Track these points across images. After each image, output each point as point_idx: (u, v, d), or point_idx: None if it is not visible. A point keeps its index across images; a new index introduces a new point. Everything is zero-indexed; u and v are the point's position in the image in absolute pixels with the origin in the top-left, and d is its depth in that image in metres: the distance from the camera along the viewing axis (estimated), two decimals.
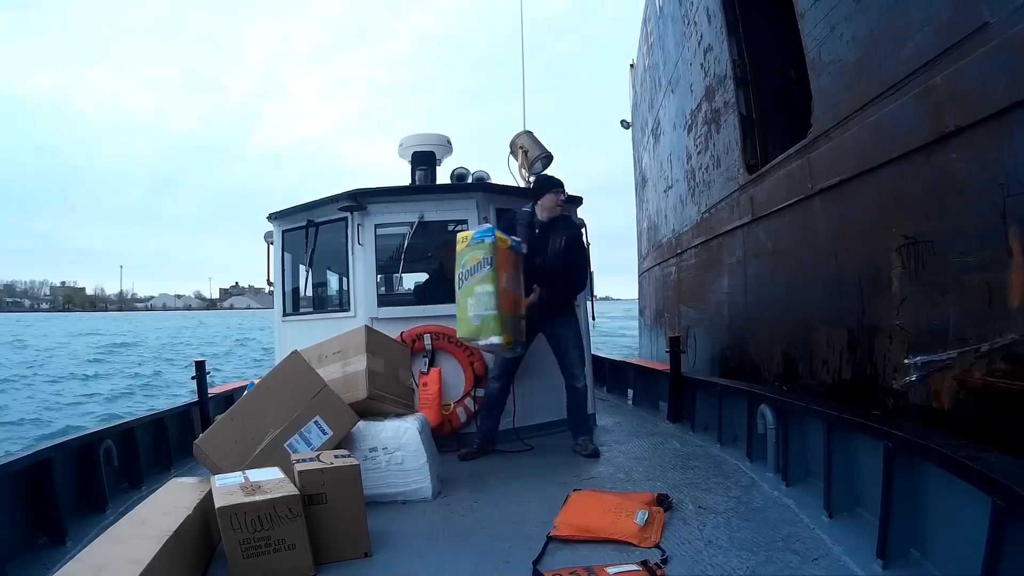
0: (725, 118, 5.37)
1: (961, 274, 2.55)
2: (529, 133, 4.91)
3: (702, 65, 5.95)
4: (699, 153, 6.32)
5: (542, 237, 3.69)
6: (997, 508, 1.54)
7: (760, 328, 4.81)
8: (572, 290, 3.86)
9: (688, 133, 6.75)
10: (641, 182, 10.97)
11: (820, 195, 3.69)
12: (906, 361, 2.87)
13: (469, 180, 4.44)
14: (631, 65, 11.34)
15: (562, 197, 3.73)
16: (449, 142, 4.90)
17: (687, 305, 7.05)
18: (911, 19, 2.75)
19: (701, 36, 5.93)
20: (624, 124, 12.36)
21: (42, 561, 2.26)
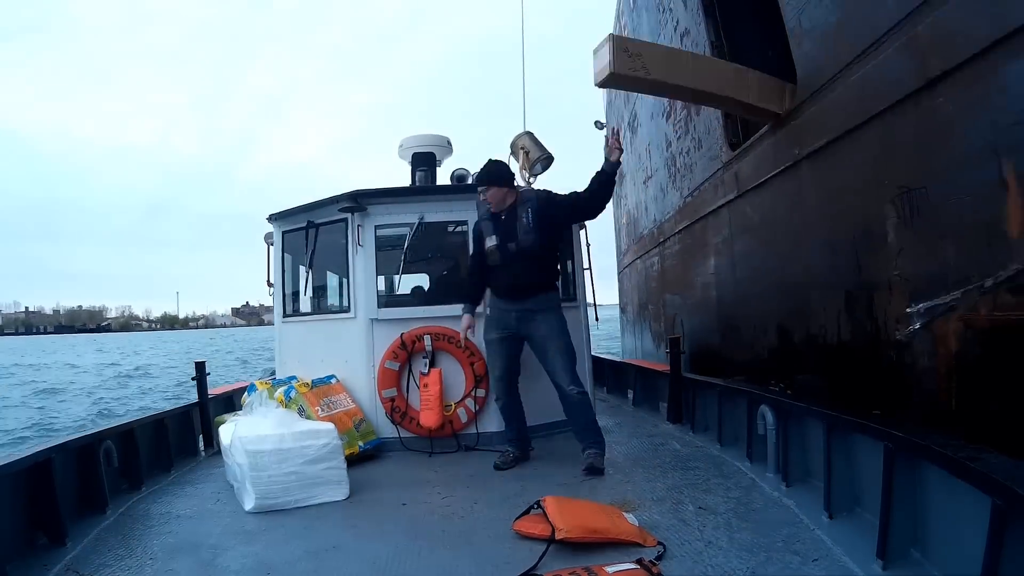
0: None
1: (958, 215, 2.56)
2: (530, 134, 4.91)
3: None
4: (679, 138, 6.31)
5: (508, 222, 3.50)
6: (997, 508, 1.54)
7: (751, 303, 4.79)
8: (552, 270, 3.64)
9: (667, 120, 6.74)
10: (619, 178, 10.95)
11: (807, 160, 3.70)
12: (908, 310, 2.86)
13: (469, 181, 4.44)
14: None
15: (483, 193, 3.54)
16: (449, 143, 4.91)
17: (672, 292, 7.10)
18: None
19: (677, 21, 5.93)
20: (598, 125, 12.24)
21: (42, 561, 2.26)
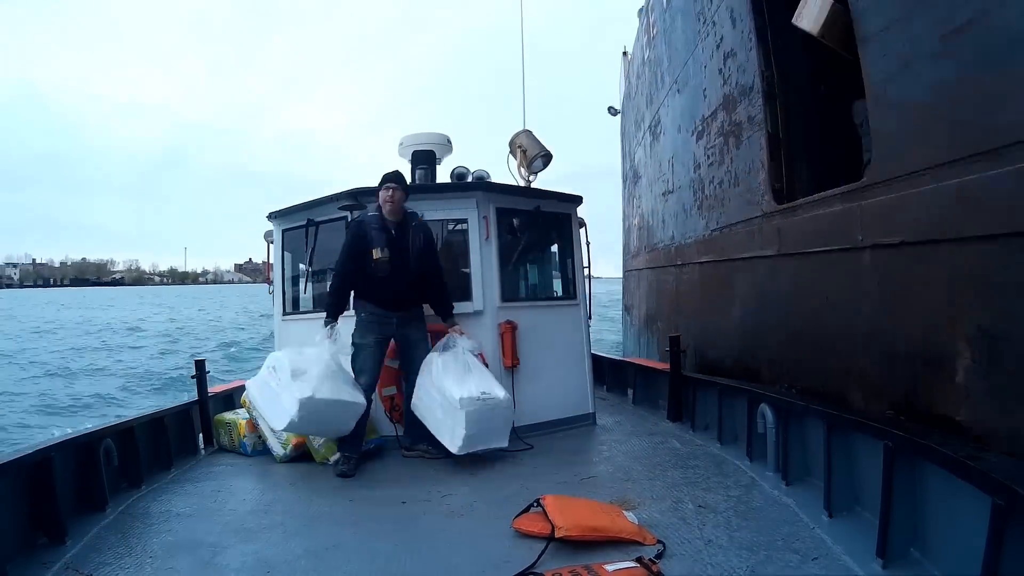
0: (748, 135, 4.82)
1: None
2: (528, 132, 4.91)
3: (720, 71, 5.39)
4: (711, 165, 5.84)
5: (400, 237, 3.58)
6: (997, 508, 1.54)
7: (777, 368, 4.35)
8: (446, 300, 3.81)
9: (697, 140, 6.23)
10: (632, 177, 10.60)
11: (871, 250, 3.22)
12: None
13: (469, 179, 4.44)
14: (624, 53, 10.98)
15: (393, 193, 3.55)
16: (449, 141, 4.90)
17: (686, 319, 6.83)
18: (1018, 76, 2.29)
19: (721, 39, 5.31)
20: (612, 111, 12.04)
21: (42, 561, 2.26)
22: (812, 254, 3.83)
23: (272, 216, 4.61)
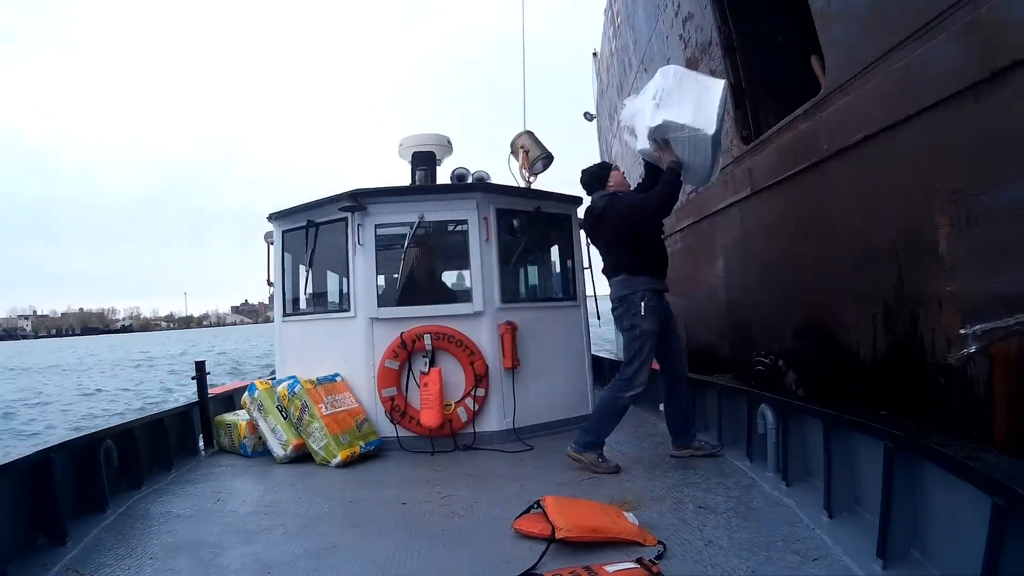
0: None
1: None
2: (530, 133, 4.92)
3: (681, 36, 5.60)
4: None
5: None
6: (997, 508, 1.54)
7: (767, 311, 4.40)
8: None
9: None
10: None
11: (837, 157, 3.28)
12: (962, 331, 2.52)
13: (469, 180, 4.44)
14: (594, 54, 10.94)
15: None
16: (449, 142, 4.90)
17: (673, 294, 6.88)
18: None
19: (679, 6, 5.59)
20: (587, 116, 11.88)
21: (42, 561, 2.26)
22: (784, 181, 3.89)
23: (272, 217, 4.61)
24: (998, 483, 1.56)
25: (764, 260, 4.44)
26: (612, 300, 3.40)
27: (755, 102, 4.62)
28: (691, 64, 5.40)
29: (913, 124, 2.76)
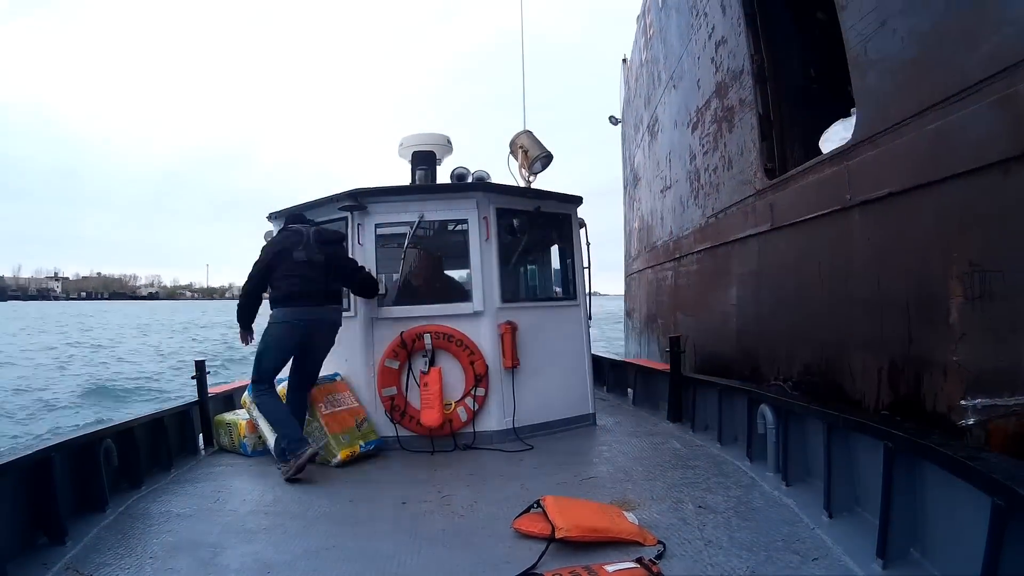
0: (740, 117, 4.99)
1: None
2: (529, 133, 4.91)
3: (712, 59, 5.54)
4: (706, 153, 5.93)
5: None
6: (997, 508, 1.54)
7: (776, 344, 4.43)
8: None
9: (692, 131, 6.34)
10: (632, 180, 10.59)
11: (860, 208, 3.31)
12: (963, 403, 2.55)
13: (469, 180, 4.44)
14: (623, 60, 11.00)
15: None
16: (449, 142, 4.90)
17: (684, 312, 6.85)
18: (987, 16, 2.45)
19: (712, 28, 5.49)
20: (613, 120, 12.02)
21: (42, 561, 2.26)
22: (805, 222, 3.88)
23: (272, 216, 4.61)
24: (998, 483, 1.56)
25: (778, 295, 4.44)
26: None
27: (782, 135, 4.57)
28: (720, 89, 5.41)
29: (939, 189, 2.73)
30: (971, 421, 2.52)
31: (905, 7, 2.93)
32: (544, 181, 5.18)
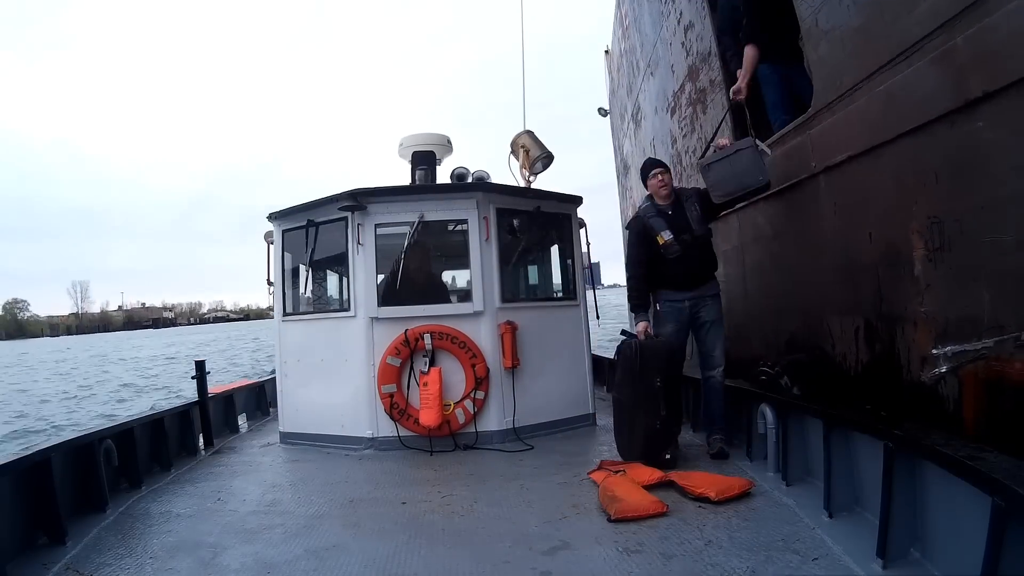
0: (711, 97, 5.13)
1: (994, 255, 2.32)
2: (530, 133, 4.92)
3: (683, 44, 5.67)
4: (684, 136, 6.07)
5: (678, 216, 3.59)
6: (997, 508, 1.54)
7: (762, 318, 4.58)
8: (714, 257, 3.74)
9: (671, 116, 6.49)
10: (623, 169, 10.68)
11: (824, 174, 3.44)
12: (934, 351, 2.60)
13: (469, 180, 4.44)
14: (606, 51, 11.05)
15: (663, 176, 3.63)
16: (449, 141, 4.90)
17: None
18: None
19: (680, 13, 5.65)
20: (602, 112, 12.04)
21: (42, 561, 2.26)
22: (776, 194, 3.97)
23: (272, 217, 4.61)
24: (998, 483, 1.56)
25: (758, 267, 4.61)
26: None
27: (754, 110, 4.57)
28: (692, 72, 5.49)
29: (893, 148, 2.84)
30: (943, 369, 2.57)
31: None
32: (546, 178, 5.17)
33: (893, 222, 2.88)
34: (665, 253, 3.53)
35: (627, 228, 3.77)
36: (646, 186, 3.71)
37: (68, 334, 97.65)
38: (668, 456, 3.23)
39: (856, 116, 3.09)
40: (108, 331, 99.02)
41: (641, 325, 3.50)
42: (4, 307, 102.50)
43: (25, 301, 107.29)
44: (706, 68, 5.15)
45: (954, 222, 2.51)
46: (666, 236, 3.52)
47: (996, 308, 2.34)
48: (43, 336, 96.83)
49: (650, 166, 3.69)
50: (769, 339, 4.41)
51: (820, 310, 3.63)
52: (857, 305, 3.24)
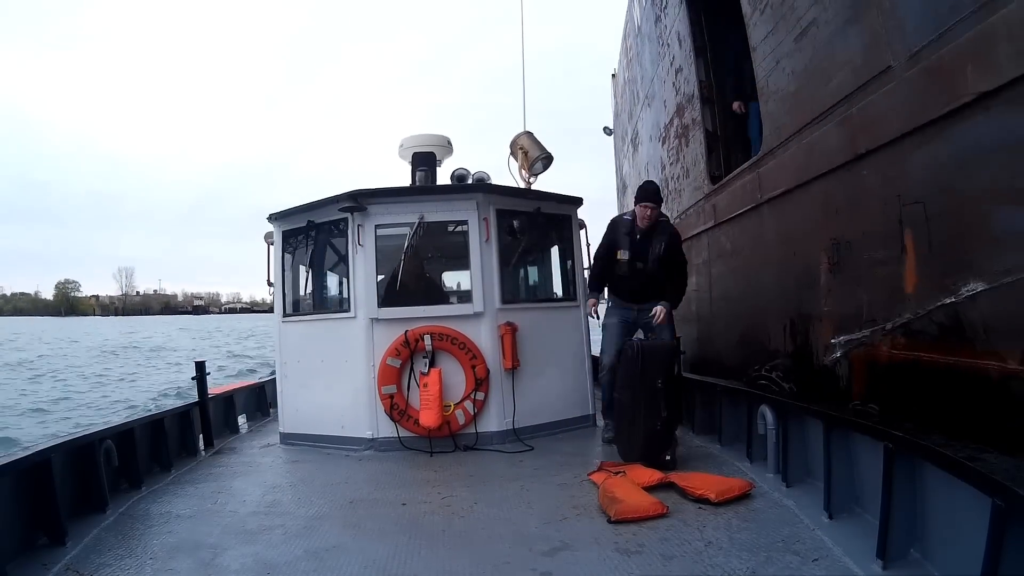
0: (693, 133, 5.99)
1: (871, 268, 3.17)
2: (529, 134, 4.92)
3: (674, 84, 6.55)
4: (671, 164, 6.95)
5: (643, 243, 3.89)
6: (997, 508, 1.54)
7: (723, 320, 5.51)
8: (678, 294, 4.05)
9: (662, 145, 7.37)
10: (622, 188, 11.41)
11: (768, 204, 4.35)
12: (832, 341, 3.51)
13: (469, 181, 4.44)
14: (612, 75, 11.73)
15: (650, 212, 3.82)
16: (449, 143, 4.91)
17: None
18: (835, 60, 3.39)
19: (673, 57, 6.49)
20: (607, 131, 12.63)
21: (42, 561, 2.26)
22: (734, 218, 5.03)
23: (272, 218, 4.61)
24: (998, 483, 1.56)
25: (722, 280, 5.60)
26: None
27: (727, 148, 5.61)
28: (680, 110, 6.44)
29: (811, 187, 3.74)
30: (838, 354, 3.47)
31: (791, 50, 3.87)
32: (547, 183, 5.19)
33: (809, 243, 3.80)
34: (616, 268, 3.98)
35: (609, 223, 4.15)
36: (635, 205, 3.90)
37: (116, 315, 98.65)
38: (668, 457, 3.23)
39: (789, 160, 3.99)
40: (148, 315, 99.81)
41: (591, 300, 4.13)
42: (56, 286, 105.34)
43: (76, 282, 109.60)
44: (690, 108, 6.05)
45: (847, 243, 3.39)
46: (623, 255, 3.94)
47: (872, 307, 3.18)
48: (94, 315, 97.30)
49: (642, 197, 3.86)
50: (729, 336, 5.34)
51: (764, 312, 4.56)
52: (787, 307, 4.17)
